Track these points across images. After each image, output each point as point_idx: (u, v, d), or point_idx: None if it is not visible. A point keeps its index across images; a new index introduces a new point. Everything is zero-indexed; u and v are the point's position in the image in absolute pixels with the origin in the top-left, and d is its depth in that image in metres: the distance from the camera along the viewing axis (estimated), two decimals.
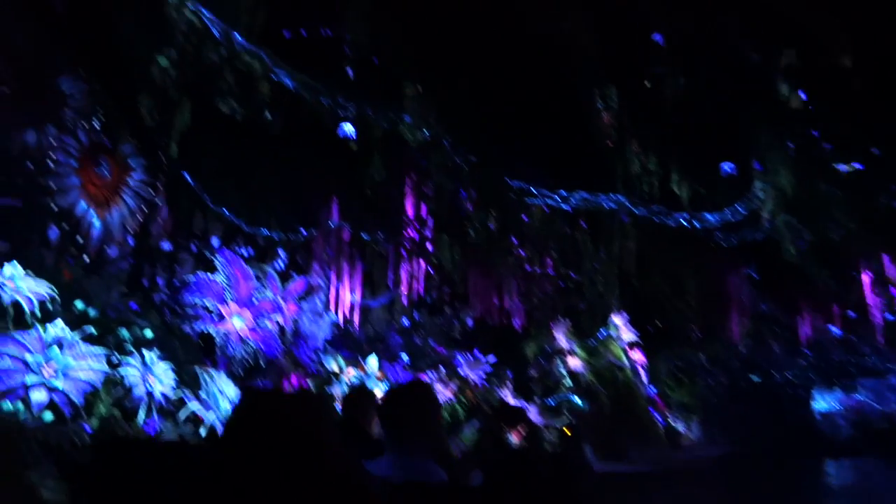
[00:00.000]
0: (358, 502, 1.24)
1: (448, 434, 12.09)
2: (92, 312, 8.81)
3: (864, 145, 10.88)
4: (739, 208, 11.39)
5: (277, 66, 9.24)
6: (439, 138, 9.80)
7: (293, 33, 10.46)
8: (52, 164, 9.60)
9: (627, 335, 17.51)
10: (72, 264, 9.68)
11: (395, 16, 9.12)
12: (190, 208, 12.29)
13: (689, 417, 19.63)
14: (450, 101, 9.85)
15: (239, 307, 11.65)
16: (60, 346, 7.80)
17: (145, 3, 8.69)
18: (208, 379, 9.57)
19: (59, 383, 7.54)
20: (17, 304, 7.86)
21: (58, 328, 7.93)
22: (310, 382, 12.42)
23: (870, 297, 15.42)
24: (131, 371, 8.43)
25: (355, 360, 13.18)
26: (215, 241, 12.42)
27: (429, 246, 12.45)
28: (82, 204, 9.96)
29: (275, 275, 12.69)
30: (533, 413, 13.83)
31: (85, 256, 9.99)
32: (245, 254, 12.60)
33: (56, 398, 7.45)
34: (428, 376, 13.75)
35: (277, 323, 12.22)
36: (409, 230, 12.23)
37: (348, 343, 14.16)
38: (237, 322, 11.48)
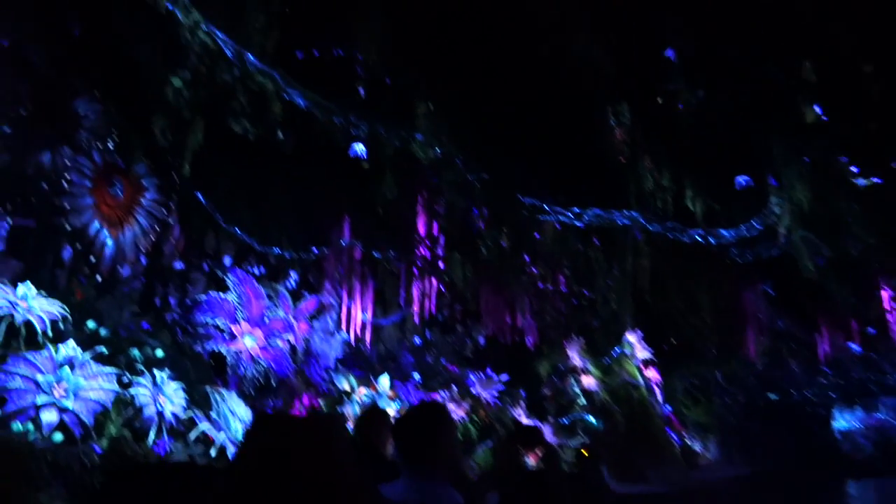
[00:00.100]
0: None
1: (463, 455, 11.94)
2: (103, 332, 8.80)
3: (882, 159, 10.74)
4: (755, 224, 11.25)
5: (290, 85, 9.28)
6: (451, 156, 9.77)
7: (305, 54, 10.53)
8: (66, 185, 9.66)
9: (642, 353, 17.30)
10: (84, 284, 9.70)
11: (407, 34, 9.15)
12: (202, 228, 12.33)
13: (705, 437, 19.32)
14: (462, 119, 9.84)
15: (250, 326, 11.61)
16: (72, 366, 7.77)
17: (160, 25, 8.77)
18: (219, 399, 9.50)
19: (70, 403, 7.51)
20: (28, 324, 7.86)
21: (69, 348, 7.92)
22: (321, 402, 12.33)
23: (890, 314, 15.16)
24: (142, 391, 8.38)
25: (367, 379, 13.08)
26: (227, 260, 12.44)
27: (440, 264, 12.39)
28: (95, 223, 10.00)
29: (286, 294, 12.66)
30: (547, 432, 13.64)
31: (97, 276, 10.01)
32: (257, 272, 12.60)
33: (66, 418, 7.41)
34: (440, 395, 13.63)
35: (289, 342, 12.16)
36: (420, 248, 12.18)
37: (360, 362, 14.07)
38: (248, 341, 11.43)
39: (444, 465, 2.21)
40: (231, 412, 9.43)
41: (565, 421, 15.52)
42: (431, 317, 14.16)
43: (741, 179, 10.33)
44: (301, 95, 9.46)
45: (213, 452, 8.84)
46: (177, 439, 8.59)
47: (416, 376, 14.16)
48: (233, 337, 11.36)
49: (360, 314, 13.31)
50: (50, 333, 7.99)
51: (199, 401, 9.24)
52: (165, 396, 8.53)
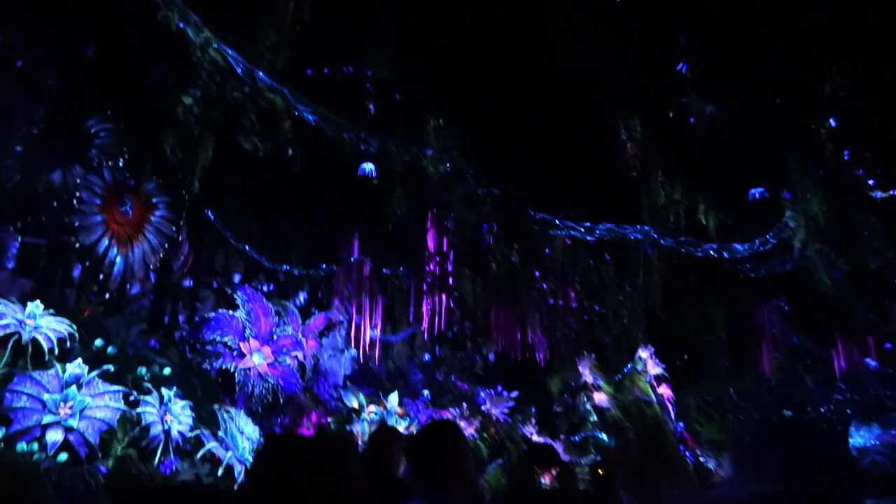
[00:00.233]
0: None
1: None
2: (111, 350, 8.76)
3: None
4: (770, 238, 11.13)
5: (300, 102, 9.29)
6: (462, 171, 9.74)
7: (315, 70, 10.57)
8: (76, 203, 9.69)
9: (654, 369, 17.10)
10: (93, 301, 9.70)
11: (417, 50, 9.16)
12: (212, 245, 12.35)
13: (719, 454, 19.02)
14: (472, 134, 9.82)
15: (259, 344, 11.55)
16: (78, 385, 7.72)
17: (170, 43, 8.83)
18: (227, 417, 9.42)
19: (75, 422, 7.44)
20: (35, 343, 7.83)
21: (76, 366, 7.88)
22: (330, 419, 12.22)
23: None
24: (148, 409, 8.32)
25: (376, 396, 12.96)
26: (236, 278, 12.43)
27: (450, 280, 12.32)
28: (105, 241, 10.01)
29: (295, 311, 12.62)
30: (558, 450, 13.44)
31: (106, 294, 10.00)
32: (266, 289, 12.58)
33: (71, 438, 7.34)
34: (450, 413, 13.48)
35: (297, 359, 12.09)
36: (430, 264, 12.13)
37: (369, 379, 13.97)
38: (257, 359, 11.37)
39: (458, 486, 2.19)
40: (239, 431, 9.34)
41: (577, 438, 15.31)
42: (441, 333, 14.06)
43: (755, 192, 10.23)
44: (311, 112, 9.47)
45: (220, 472, 8.74)
46: (183, 458, 8.50)
47: (426, 393, 14.03)
48: (241, 354, 11.30)
49: (369, 331, 13.24)
50: (57, 352, 7.96)
51: (206, 419, 9.16)
52: (172, 415, 8.46)
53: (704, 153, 10.71)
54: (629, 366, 16.73)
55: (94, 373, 8.02)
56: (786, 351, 17.04)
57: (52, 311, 8.26)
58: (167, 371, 9.24)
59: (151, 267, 10.67)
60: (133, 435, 8.08)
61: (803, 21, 9.17)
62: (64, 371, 7.76)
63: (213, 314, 11.56)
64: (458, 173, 9.72)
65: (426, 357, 15.34)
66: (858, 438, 20.53)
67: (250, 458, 8.96)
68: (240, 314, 11.58)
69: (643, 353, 16.84)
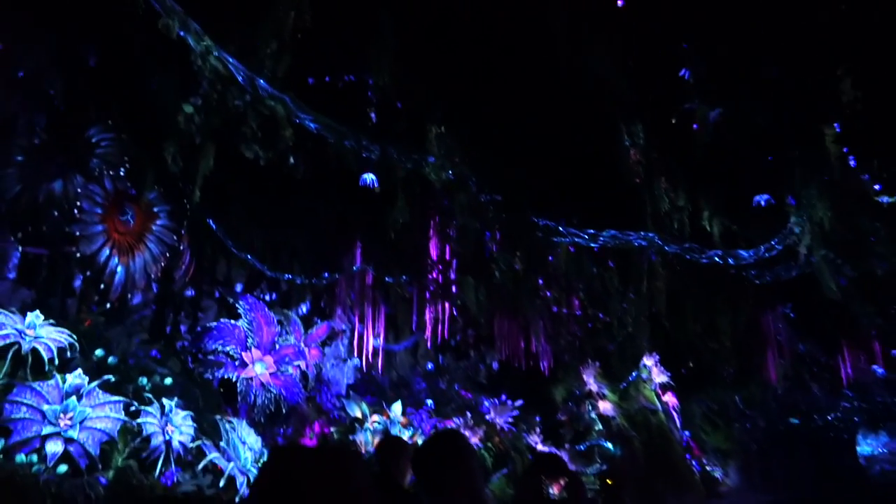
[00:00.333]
0: None
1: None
2: (111, 360, 8.71)
3: None
4: (775, 244, 11.05)
5: (301, 110, 9.26)
6: (464, 178, 9.70)
7: (317, 78, 10.56)
8: (77, 212, 9.66)
9: (659, 377, 16.98)
10: (94, 311, 9.65)
11: (419, 57, 9.14)
12: (214, 254, 12.31)
13: (725, 463, 18.86)
14: (474, 141, 9.78)
15: (261, 353, 11.49)
16: (78, 396, 7.66)
17: (171, 51, 8.81)
18: (229, 428, 9.34)
19: (76, 433, 7.37)
20: (36, 353, 7.77)
21: (76, 377, 7.81)
22: (332, 429, 12.13)
23: None
24: (149, 420, 8.24)
25: (379, 405, 12.89)
26: (238, 287, 12.39)
27: (453, 288, 12.25)
28: (106, 251, 9.97)
29: (298, 320, 12.56)
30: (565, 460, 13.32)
31: (107, 304, 9.95)
32: (268, 299, 12.53)
33: (71, 449, 7.27)
34: (454, 422, 13.39)
35: (300, 368, 12.02)
36: (433, 272, 12.07)
37: (372, 389, 13.90)
38: (259, 368, 11.29)
39: (465, 495, 2.15)
40: (241, 441, 9.26)
41: (582, 447, 15.20)
42: (444, 342, 13.99)
43: (760, 198, 10.17)
44: (312, 120, 9.43)
45: (221, 483, 8.65)
46: (185, 469, 8.42)
47: (430, 403, 13.94)
48: (243, 364, 11.23)
49: (371, 340, 13.17)
50: (57, 362, 7.90)
51: (208, 430, 9.08)
52: (174, 425, 8.38)
53: (708, 159, 10.66)
54: (634, 374, 16.63)
55: (95, 383, 7.96)
56: (792, 358, 16.94)
57: (52, 321, 8.21)
58: (168, 381, 9.18)
59: (153, 276, 10.62)
60: (134, 446, 8.00)
61: (807, 26, 9.15)
62: (64, 381, 7.70)
63: (214, 324, 11.51)
64: (460, 180, 9.68)
65: (429, 366, 15.26)
66: (866, 447, 20.34)
67: (253, 469, 8.88)
68: (242, 324, 11.53)
69: (648, 361, 16.74)
